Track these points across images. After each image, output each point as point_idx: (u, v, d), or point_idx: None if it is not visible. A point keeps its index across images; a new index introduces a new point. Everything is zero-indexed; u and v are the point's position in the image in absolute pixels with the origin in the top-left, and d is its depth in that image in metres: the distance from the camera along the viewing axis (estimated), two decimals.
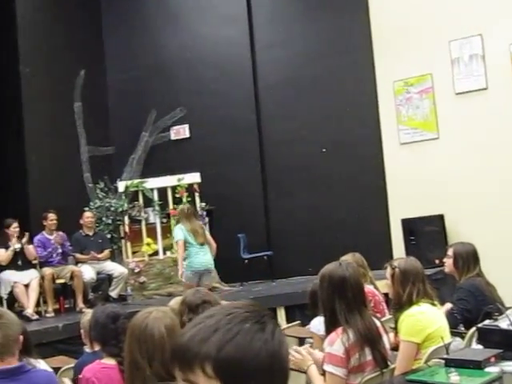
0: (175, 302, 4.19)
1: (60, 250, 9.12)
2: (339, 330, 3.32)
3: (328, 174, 10.65)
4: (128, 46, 11.62)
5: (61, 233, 9.19)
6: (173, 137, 11.40)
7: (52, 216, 9.12)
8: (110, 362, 3.33)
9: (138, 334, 2.65)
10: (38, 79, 10.51)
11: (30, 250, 8.85)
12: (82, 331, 4.63)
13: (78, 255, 9.37)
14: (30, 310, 8.31)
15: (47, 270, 8.88)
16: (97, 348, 3.48)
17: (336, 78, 10.73)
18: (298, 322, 6.36)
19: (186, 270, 8.40)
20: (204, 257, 8.48)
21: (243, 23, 11.21)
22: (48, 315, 8.76)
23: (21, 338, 2.93)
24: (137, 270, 9.95)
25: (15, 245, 8.69)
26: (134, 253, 10.25)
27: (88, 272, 9.19)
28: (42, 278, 8.84)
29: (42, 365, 3.64)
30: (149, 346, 2.61)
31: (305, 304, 5.11)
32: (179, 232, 8.37)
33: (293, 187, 10.84)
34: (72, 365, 4.94)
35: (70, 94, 10.95)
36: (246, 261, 10.39)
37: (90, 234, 9.61)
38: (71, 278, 9.06)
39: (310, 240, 10.62)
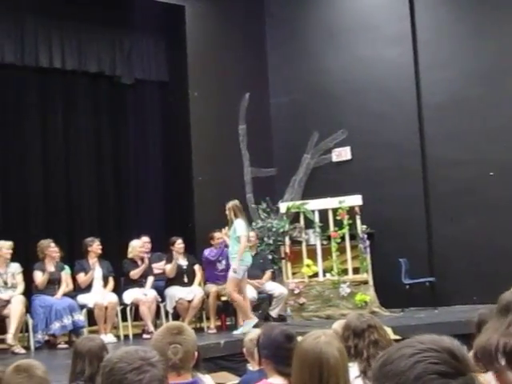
0: (339, 325, 4.13)
1: (224, 267, 9.38)
2: None
3: (496, 198, 10.17)
4: (291, 70, 11.78)
5: (226, 249, 9.47)
6: (334, 159, 11.39)
7: (218, 235, 9.41)
8: (277, 381, 3.33)
9: (312, 359, 2.59)
10: (205, 103, 10.94)
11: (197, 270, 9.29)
12: (244, 349, 4.68)
13: None
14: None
15: (212, 288, 9.16)
16: (265, 366, 3.49)
17: (505, 97, 10.28)
18: None
19: (241, 264, 8.50)
20: (250, 252, 8.79)
21: (407, 43, 11.03)
22: (210, 331, 9.00)
23: (196, 354, 3.00)
24: (296, 291, 10.00)
25: (178, 260, 9.15)
26: (293, 274, 10.30)
27: (249, 291, 9.34)
28: (206, 295, 9.12)
29: (208, 380, 3.70)
30: (323, 370, 2.55)
31: (469, 334, 4.86)
32: (244, 227, 8.53)
33: (458, 211, 10.45)
34: (235, 382, 5.02)
35: (235, 117, 11.27)
36: (408, 286, 10.11)
37: (253, 253, 9.79)
38: None
39: (475, 267, 10.17)
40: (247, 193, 11.24)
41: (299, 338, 3.52)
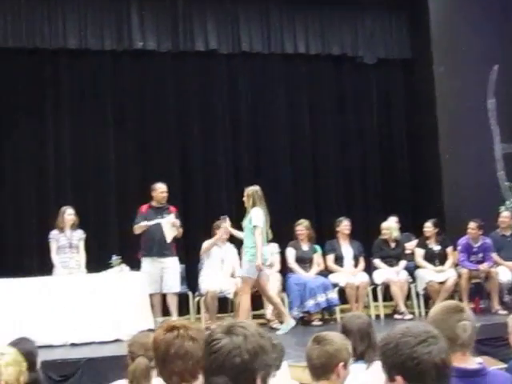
0: None
1: (480, 259, 9.02)
2: None
3: None
4: None
5: (487, 240, 9.08)
6: None
7: (472, 225, 8.97)
8: None
9: None
10: (450, 78, 10.55)
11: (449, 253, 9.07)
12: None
13: (496, 258, 9.12)
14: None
15: (463, 270, 8.88)
16: None
17: None
18: None
19: (254, 261, 7.48)
20: (267, 247, 7.76)
21: None
22: None
23: None
24: None
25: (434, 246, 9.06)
26: None
27: (505, 274, 8.93)
28: (459, 276, 8.86)
29: None
30: None
31: None
32: (261, 217, 7.50)
33: None
34: (501, 366, 4.81)
35: (483, 91, 10.74)
36: None
37: (507, 234, 9.30)
38: (486, 278, 8.92)
39: None
40: (498, 170, 10.67)
41: None
